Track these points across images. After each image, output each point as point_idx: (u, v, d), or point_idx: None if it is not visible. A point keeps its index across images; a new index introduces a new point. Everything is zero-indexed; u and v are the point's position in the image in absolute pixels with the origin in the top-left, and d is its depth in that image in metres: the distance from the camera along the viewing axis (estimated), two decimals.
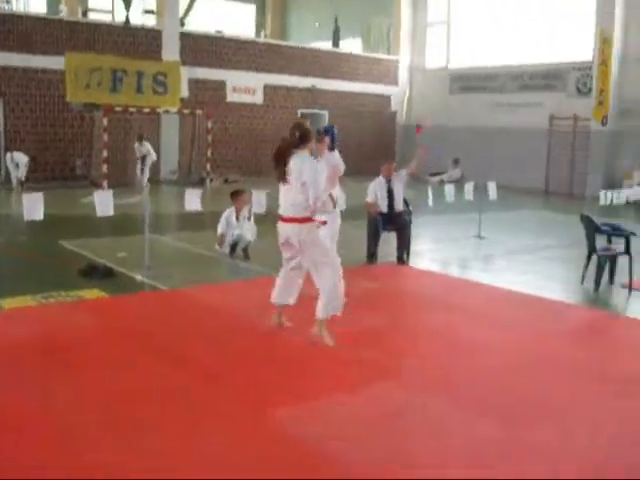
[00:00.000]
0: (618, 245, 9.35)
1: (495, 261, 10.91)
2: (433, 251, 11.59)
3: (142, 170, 19.60)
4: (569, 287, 9.16)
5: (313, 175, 5.88)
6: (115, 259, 9.54)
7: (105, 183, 17.82)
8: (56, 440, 4.23)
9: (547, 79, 23.01)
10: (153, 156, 19.71)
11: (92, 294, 7.76)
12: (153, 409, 4.72)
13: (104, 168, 18.44)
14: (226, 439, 4.30)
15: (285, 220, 6.05)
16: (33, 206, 8.41)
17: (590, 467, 4.11)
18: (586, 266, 9.09)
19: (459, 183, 16.22)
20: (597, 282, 8.85)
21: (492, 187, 12.67)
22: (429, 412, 4.86)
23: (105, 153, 18.49)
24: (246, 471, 3.91)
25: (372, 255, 9.96)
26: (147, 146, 19.63)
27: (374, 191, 10.00)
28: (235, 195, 10.26)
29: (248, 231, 10.10)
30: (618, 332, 7.41)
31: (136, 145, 19.60)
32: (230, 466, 3.96)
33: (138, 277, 8.61)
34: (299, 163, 5.91)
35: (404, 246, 10.04)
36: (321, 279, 6.00)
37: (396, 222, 9.86)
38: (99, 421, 4.49)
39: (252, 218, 10.18)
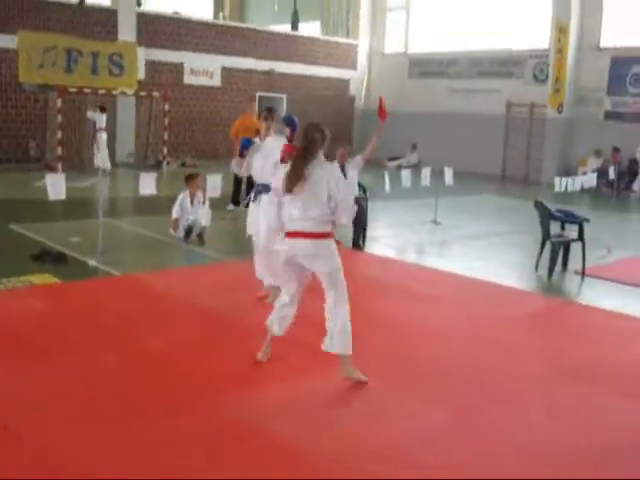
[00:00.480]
0: (571, 232, 9.48)
1: (450, 247, 10.98)
2: (389, 236, 11.64)
3: (98, 149, 18.93)
4: (523, 274, 9.27)
5: (344, 187, 5.09)
6: (68, 244, 9.38)
7: (60, 166, 17.53)
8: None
9: (505, 66, 23.16)
10: (102, 126, 19.03)
11: (43, 279, 7.62)
12: (99, 395, 4.65)
13: (58, 150, 18.14)
14: (171, 423, 4.28)
15: (301, 235, 5.05)
16: None
17: (543, 452, 4.16)
18: (540, 253, 9.19)
19: (417, 168, 16.31)
20: (551, 269, 8.95)
21: (448, 172, 12.73)
22: (377, 397, 4.87)
23: (60, 135, 18.18)
24: (188, 453, 3.87)
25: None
26: (100, 117, 18.96)
27: None
28: (189, 179, 10.20)
29: (203, 216, 10.02)
30: (571, 318, 7.48)
31: (97, 114, 18.91)
32: (174, 449, 3.92)
33: (91, 262, 8.46)
34: (322, 171, 5.03)
35: (360, 231, 10.05)
36: (338, 305, 5.14)
37: None
38: (46, 410, 4.41)
39: (207, 202, 10.09)
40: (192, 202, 10.05)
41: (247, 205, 7.11)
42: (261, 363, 5.36)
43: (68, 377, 4.95)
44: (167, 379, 5.01)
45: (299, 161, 5.07)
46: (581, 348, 6.21)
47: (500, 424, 4.55)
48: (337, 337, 5.06)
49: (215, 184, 9.78)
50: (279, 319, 5.34)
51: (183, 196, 10.09)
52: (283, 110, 24.99)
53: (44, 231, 10.11)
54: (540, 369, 5.58)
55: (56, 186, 8.64)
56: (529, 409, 4.81)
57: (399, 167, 19.54)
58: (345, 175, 9.74)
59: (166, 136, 20.34)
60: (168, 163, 20.21)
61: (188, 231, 10.02)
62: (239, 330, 6.14)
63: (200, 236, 10.00)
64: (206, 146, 22.93)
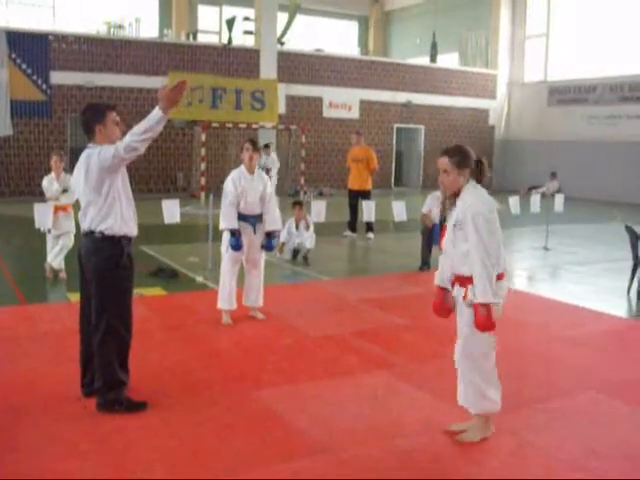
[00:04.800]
0: None
1: (554, 272, 11.13)
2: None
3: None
4: (613, 297, 9.25)
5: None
6: (185, 263, 10.42)
7: (203, 194, 18.96)
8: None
9: None
10: (277, 164, 20.40)
11: (153, 292, 8.62)
12: (165, 381, 5.45)
13: (202, 180, 19.64)
14: (213, 408, 4.97)
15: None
16: None
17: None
18: (632, 277, 9.22)
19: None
20: None
21: (559, 200, 12.86)
22: (410, 401, 5.28)
23: (203, 166, 19.68)
24: (214, 427, 4.57)
25: (425, 264, 10.42)
26: (273, 156, 20.44)
27: (429, 204, 10.42)
28: (295, 206, 11.10)
29: (307, 239, 10.77)
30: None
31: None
32: (204, 424, 4.63)
33: (198, 278, 9.41)
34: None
35: None
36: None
37: None
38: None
39: (311, 227, 10.84)
40: (297, 227, 10.85)
41: None
42: (310, 366, 5.97)
43: (139, 368, 5.76)
44: (217, 373, 5.76)
45: None
46: None
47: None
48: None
49: (319, 210, 10.55)
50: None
51: (290, 222, 10.92)
52: (421, 140, 25.55)
53: (167, 252, 11.26)
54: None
55: (171, 210, 9.68)
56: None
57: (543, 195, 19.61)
58: None
59: (303, 166, 21.43)
60: (305, 192, 21.25)
61: (294, 253, 10.82)
62: (305, 338, 6.78)
63: (305, 258, 10.75)
64: (344, 176, 23.74)
